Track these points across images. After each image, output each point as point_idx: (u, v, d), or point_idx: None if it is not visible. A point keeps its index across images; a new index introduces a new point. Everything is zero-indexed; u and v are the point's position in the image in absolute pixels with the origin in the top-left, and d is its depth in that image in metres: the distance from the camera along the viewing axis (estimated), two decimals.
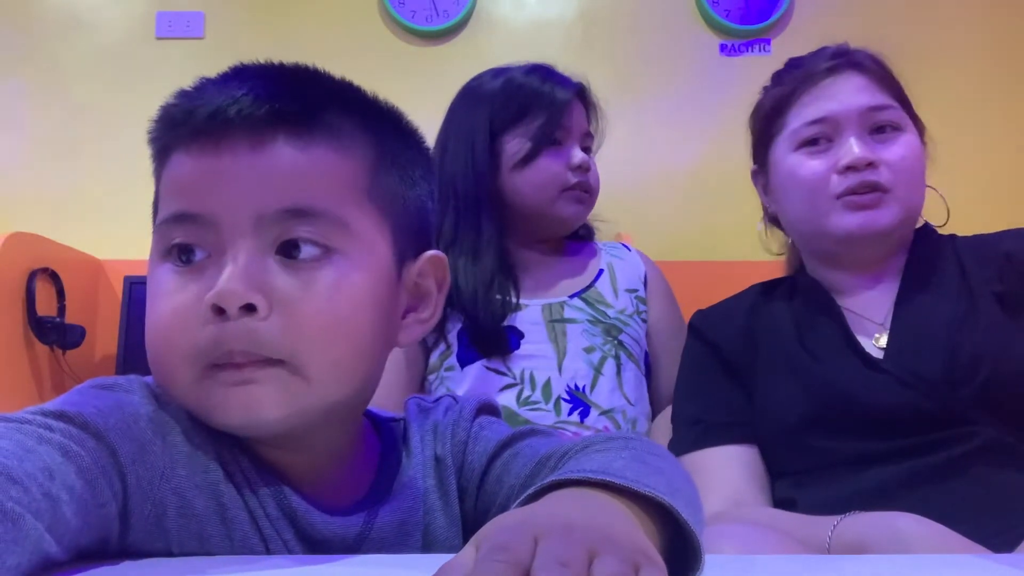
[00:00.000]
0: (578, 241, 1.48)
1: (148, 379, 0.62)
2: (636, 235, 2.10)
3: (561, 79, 1.41)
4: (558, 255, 1.43)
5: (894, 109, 1.11)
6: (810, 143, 1.12)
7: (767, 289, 1.23)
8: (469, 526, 0.69)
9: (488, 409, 0.74)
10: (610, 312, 1.36)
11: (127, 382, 0.60)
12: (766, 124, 1.17)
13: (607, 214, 2.31)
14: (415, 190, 0.67)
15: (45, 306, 2.03)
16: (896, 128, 1.11)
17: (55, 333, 2.04)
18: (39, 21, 2.53)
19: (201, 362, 0.57)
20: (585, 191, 1.37)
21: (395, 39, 2.49)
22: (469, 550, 0.40)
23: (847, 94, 1.10)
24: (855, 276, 1.14)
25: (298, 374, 0.57)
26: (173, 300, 0.58)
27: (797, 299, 1.17)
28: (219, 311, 0.56)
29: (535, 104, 1.36)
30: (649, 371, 1.41)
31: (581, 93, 1.42)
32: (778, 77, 1.19)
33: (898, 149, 1.10)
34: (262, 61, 0.64)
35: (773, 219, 1.22)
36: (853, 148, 1.08)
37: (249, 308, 0.56)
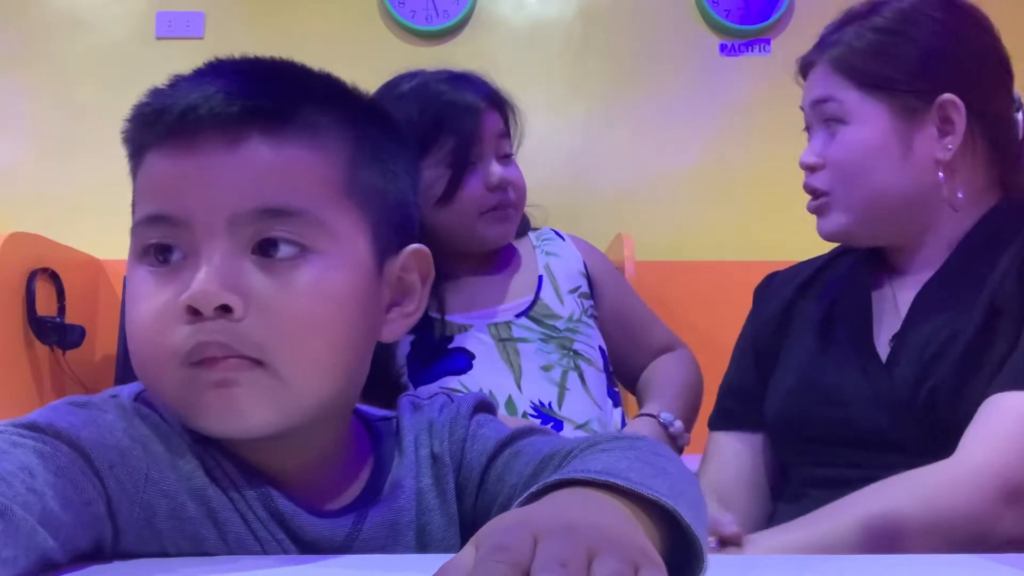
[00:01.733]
0: (513, 241, 1.40)
1: (125, 394, 0.62)
2: (636, 235, 2.10)
3: (471, 86, 1.29)
4: (493, 266, 1.36)
5: (835, 102, 1.03)
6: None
7: (836, 258, 1.17)
8: (468, 526, 0.68)
9: (485, 407, 0.74)
10: (559, 324, 1.31)
11: (101, 401, 0.60)
12: None
13: (608, 213, 2.32)
14: (396, 183, 0.66)
15: (45, 306, 2.03)
16: (838, 120, 1.04)
17: (55, 333, 2.04)
18: (39, 21, 2.53)
19: (181, 362, 0.57)
20: (508, 207, 1.29)
21: (395, 39, 2.49)
22: (469, 550, 0.40)
23: (809, 88, 1.08)
24: (901, 258, 1.08)
25: (277, 376, 0.57)
26: (150, 302, 0.58)
27: (847, 281, 1.11)
28: (194, 312, 0.56)
29: (445, 123, 1.25)
30: (607, 363, 1.37)
31: (492, 99, 1.31)
32: None
33: (834, 148, 1.04)
34: (239, 56, 0.64)
35: None
36: (806, 150, 1.07)
37: (224, 309, 0.56)
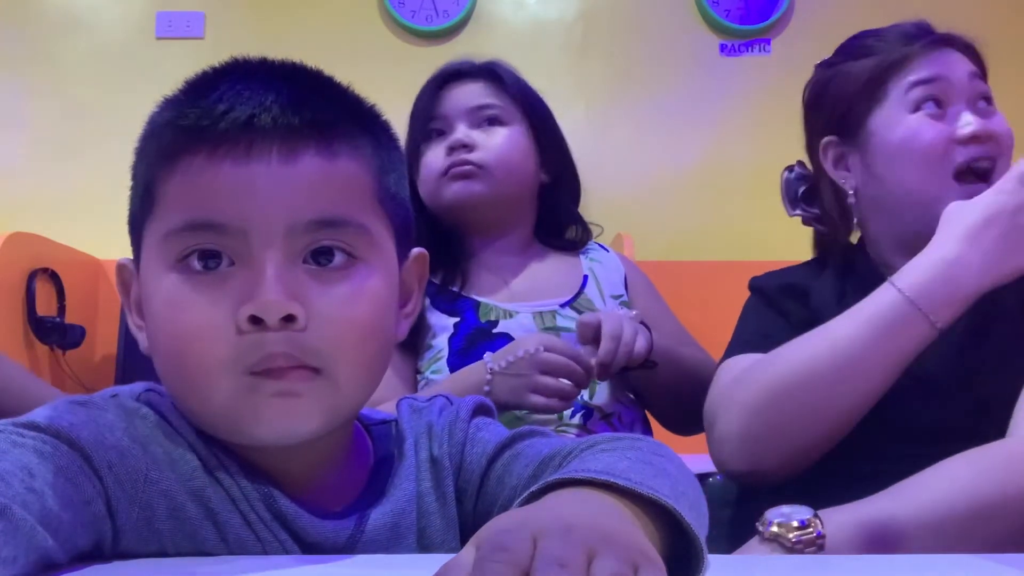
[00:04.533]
0: (566, 246, 1.43)
1: (125, 394, 0.62)
2: (636, 235, 2.11)
3: (444, 67, 1.37)
4: (537, 258, 1.39)
5: (987, 84, 1.08)
6: (920, 106, 1.07)
7: (817, 265, 1.17)
8: (468, 529, 0.68)
9: (484, 410, 0.74)
10: None
11: (101, 401, 0.60)
12: (862, 94, 1.10)
13: (607, 214, 2.32)
14: (403, 190, 0.68)
15: (45, 306, 2.03)
16: (991, 101, 1.07)
17: (55, 333, 2.04)
18: (39, 21, 2.53)
19: (241, 369, 0.56)
20: (464, 164, 1.29)
21: (395, 39, 2.49)
22: (469, 550, 0.40)
23: (953, 63, 1.08)
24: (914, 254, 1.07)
25: (333, 382, 0.58)
26: (197, 310, 0.57)
27: (850, 281, 1.10)
28: (257, 321, 0.55)
29: (418, 104, 1.34)
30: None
31: (451, 76, 1.35)
32: (858, 49, 1.12)
33: (1001, 120, 1.06)
34: (257, 57, 0.64)
35: (838, 197, 1.13)
36: (969, 118, 1.04)
37: (288, 319, 0.56)
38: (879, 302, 0.95)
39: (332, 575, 0.54)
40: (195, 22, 2.50)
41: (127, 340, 2.13)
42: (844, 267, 1.13)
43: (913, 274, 0.94)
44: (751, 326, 1.14)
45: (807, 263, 1.19)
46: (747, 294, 1.25)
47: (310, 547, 0.61)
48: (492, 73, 1.36)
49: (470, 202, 1.31)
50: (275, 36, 2.46)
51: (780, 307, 1.12)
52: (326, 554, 0.61)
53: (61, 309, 2.08)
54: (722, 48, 2.47)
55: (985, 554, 0.67)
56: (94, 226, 2.29)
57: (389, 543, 0.64)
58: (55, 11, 2.53)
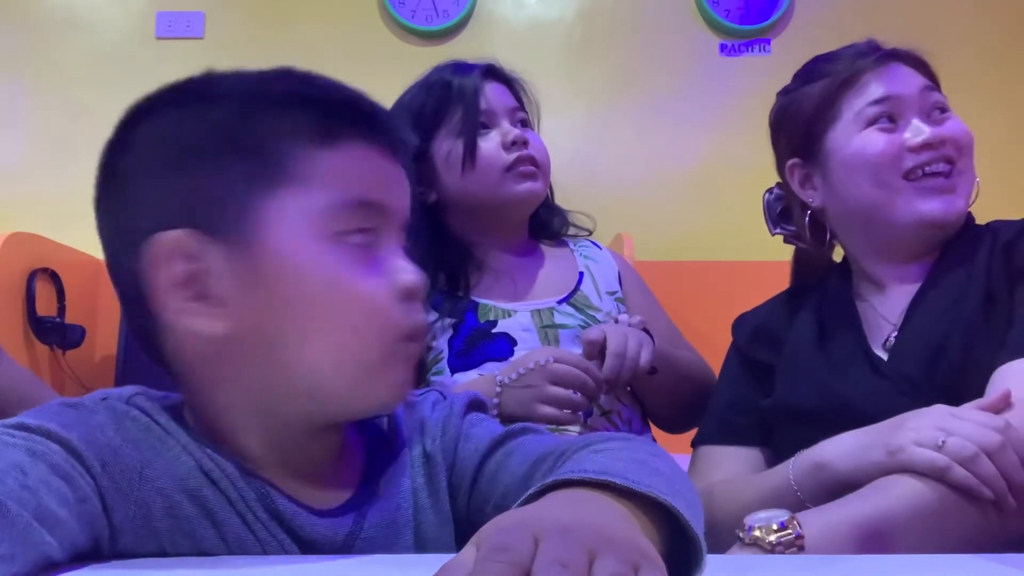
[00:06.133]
0: (555, 240, 1.45)
1: (115, 396, 0.62)
2: (636, 235, 2.11)
3: (465, 65, 1.37)
4: (536, 257, 1.41)
5: (940, 93, 1.12)
6: (874, 122, 1.10)
7: (795, 295, 1.22)
8: (461, 525, 0.69)
9: (477, 406, 0.75)
10: (599, 316, 1.34)
11: (91, 403, 0.60)
12: (816, 115, 1.14)
13: (607, 214, 2.32)
14: None
15: (45, 306, 2.03)
16: (945, 109, 1.11)
17: (55, 333, 2.04)
18: (39, 21, 2.53)
19: (398, 335, 0.63)
20: (529, 163, 1.32)
21: (395, 39, 2.49)
22: (470, 550, 0.40)
23: (902, 77, 1.11)
24: (902, 267, 1.11)
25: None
26: (369, 281, 0.62)
27: (825, 307, 1.16)
28: (410, 295, 0.63)
29: (451, 95, 1.33)
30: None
31: (490, 73, 1.37)
32: (812, 73, 1.16)
33: (956, 123, 1.09)
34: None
35: (807, 215, 1.18)
36: (922, 127, 1.07)
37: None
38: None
39: (332, 575, 0.54)
40: (195, 22, 2.50)
41: (127, 340, 2.13)
42: (820, 301, 1.16)
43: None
44: (724, 395, 1.20)
45: (788, 298, 1.23)
46: (746, 293, 1.27)
47: (308, 545, 0.61)
48: (517, 82, 1.41)
49: (533, 199, 1.34)
50: (275, 36, 2.46)
51: (752, 356, 1.18)
52: (324, 553, 0.61)
53: (61, 309, 2.08)
54: (722, 48, 2.47)
55: (985, 554, 0.67)
56: (94, 226, 2.29)
57: (387, 540, 0.64)
58: (55, 11, 2.53)
